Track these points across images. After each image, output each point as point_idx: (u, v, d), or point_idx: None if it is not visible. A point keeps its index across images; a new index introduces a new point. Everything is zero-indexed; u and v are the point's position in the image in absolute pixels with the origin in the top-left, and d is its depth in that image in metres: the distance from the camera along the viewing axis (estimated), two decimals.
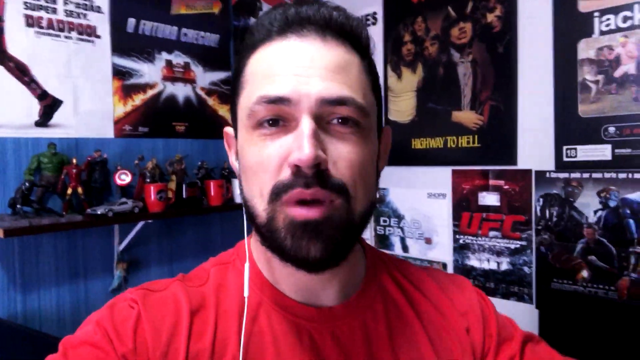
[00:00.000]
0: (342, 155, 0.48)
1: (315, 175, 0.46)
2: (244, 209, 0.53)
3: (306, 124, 0.46)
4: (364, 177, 0.50)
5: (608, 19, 1.67)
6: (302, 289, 0.55)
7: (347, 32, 0.51)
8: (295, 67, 0.48)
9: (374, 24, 2.40)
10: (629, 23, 1.62)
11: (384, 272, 0.63)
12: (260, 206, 0.49)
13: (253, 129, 0.49)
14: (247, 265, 0.56)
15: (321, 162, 0.46)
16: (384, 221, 2.39)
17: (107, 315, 0.51)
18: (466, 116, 2.06)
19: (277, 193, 0.47)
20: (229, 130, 0.59)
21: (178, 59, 2.02)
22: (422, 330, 0.59)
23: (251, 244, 0.59)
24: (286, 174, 0.47)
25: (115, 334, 0.49)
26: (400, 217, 2.34)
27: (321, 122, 0.48)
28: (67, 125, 1.71)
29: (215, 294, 0.55)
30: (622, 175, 1.66)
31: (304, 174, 0.45)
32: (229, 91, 0.50)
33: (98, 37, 1.78)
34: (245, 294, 0.54)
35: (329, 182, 0.47)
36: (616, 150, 1.66)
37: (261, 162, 0.48)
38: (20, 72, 1.59)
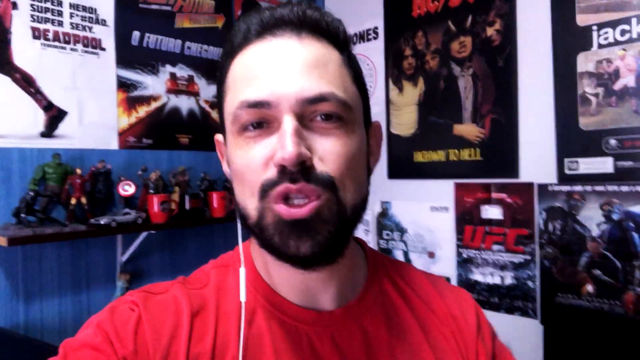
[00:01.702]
0: (328, 149, 0.48)
1: (300, 171, 0.46)
2: (237, 213, 0.54)
3: (288, 124, 0.47)
4: (352, 169, 0.50)
5: (606, 33, 1.68)
6: (301, 291, 0.55)
7: (323, 28, 0.52)
8: (272, 67, 0.49)
9: (375, 38, 2.43)
10: (627, 36, 1.64)
11: (385, 276, 0.63)
12: (252, 205, 0.50)
13: (238, 134, 0.50)
14: (242, 271, 0.55)
15: (306, 159, 0.46)
16: (387, 235, 2.39)
17: (108, 317, 0.51)
18: (468, 129, 2.07)
19: (265, 190, 0.48)
20: (219, 137, 0.59)
21: (182, 71, 2.05)
22: (423, 336, 0.59)
23: (250, 248, 0.59)
24: (272, 172, 0.48)
25: (116, 336, 0.49)
26: (403, 231, 2.33)
27: (304, 120, 0.48)
28: (72, 136, 1.74)
29: (216, 296, 0.55)
30: (624, 188, 1.65)
31: (289, 171, 0.46)
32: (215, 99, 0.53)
33: (103, 49, 1.82)
34: (242, 299, 0.54)
35: (314, 177, 0.47)
36: (618, 163, 1.66)
37: (248, 164, 0.49)
38: (26, 83, 1.62)
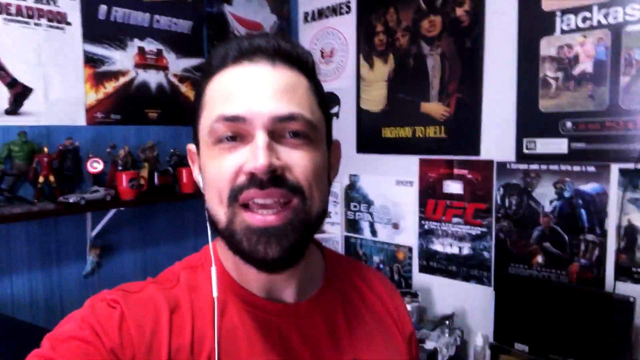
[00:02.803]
0: (296, 161, 0.53)
1: (270, 179, 0.51)
2: (207, 218, 0.58)
3: (260, 138, 0.51)
4: (318, 181, 0.55)
5: (569, 19, 1.74)
6: (266, 286, 0.60)
7: (294, 58, 0.57)
8: (249, 89, 0.53)
9: (347, 12, 2.42)
10: (587, 23, 1.71)
11: (342, 273, 0.70)
12: (221, 211, 0.54)
13: (213, 145, 0.54)
14: (213, 269, 0.60)
15: (276, 168, 0.51)
16: (354, 206, 2.47)
17: (90, 313, 0.53)
18: (434, 107, 2.13)
19: (234, 196, 0.52)
20: (192, 147, 0.64)
21: (150, 45, 2.00)
22: (375, 324, 0.67)
23: (218, 248, 0.64)
24: (242, 179, 0.52)
25: (102, 330, 0.51)
26: (369, 203, 2.41)
27: (275, 136, 0.53)
28: (38, 113, 1.69)
29: (188, 295, 0.58)
30: (576, 168, 1.76)
31: (258, 179, 0.51)
32: (191, 113, 0.57)
33: (69, 24, 1.75)
34: (215, 294, 0.58)
35: (284, 183, 0.52)
36: (572, 144, 1.76)
37: (220, 172, 0.53)
38: None
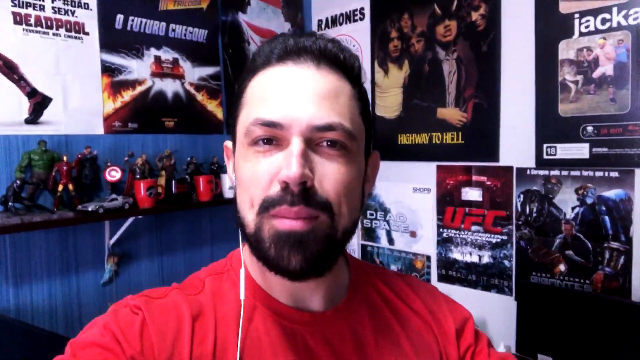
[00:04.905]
0: (328, 174, 0.52)
1: (301, 193, 0.49)
2: (236, 220, 0.57)
3: (296, 145, 0.50)
4: (349, 195, 0.54)
5: (587, 21, 1.71)
6: (293, 295, 0.59)
7: (340, 62, 0.55)
8: (289, 92, 0.52)
9: (361, 19, 2.42)
10: (607, 25, 1.67)
11: (367, 282, 0.68)
12: (250, 217, 0.53)
13: (249, 146, 0.53)
14: (242, 272, 0.59)
15: (307, 179, 0.50)
16: (371, 214, 2.45)
17: (112, 319, 0.53)
18: (451, 113, 2.10)
19: (266, 207, 0.51)
20: (228, 144, 0.63)
21: (167, 54, 2.02)
22: (403, 332, 0.64)
23: (245, 254, 0.62)
24: (275, 189, 0.51)
25: (123, 336, 0.51)
26: (386, 211, 2.39)
27: (311, 144, 0.52)
28: (57, 122, 1.71)
29: (212, 302, 0.58)
30: (598, 174, 1.72)
31: (291, 190, 0.49)
32: (231, 109, 0.55)
33: (86, 34, 1.77)
34: (242, 296, 0.57)
35: (313, 200, 0.50)
36: (594, 149, 1.72)
37: (253, 177, 0.52)
38: (9, 70, 1.59)
